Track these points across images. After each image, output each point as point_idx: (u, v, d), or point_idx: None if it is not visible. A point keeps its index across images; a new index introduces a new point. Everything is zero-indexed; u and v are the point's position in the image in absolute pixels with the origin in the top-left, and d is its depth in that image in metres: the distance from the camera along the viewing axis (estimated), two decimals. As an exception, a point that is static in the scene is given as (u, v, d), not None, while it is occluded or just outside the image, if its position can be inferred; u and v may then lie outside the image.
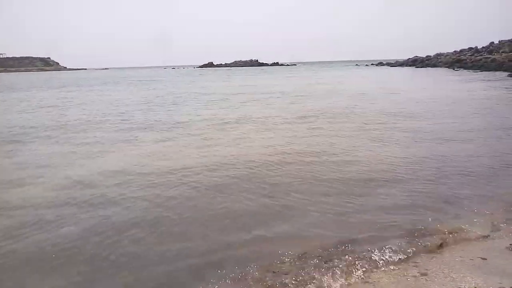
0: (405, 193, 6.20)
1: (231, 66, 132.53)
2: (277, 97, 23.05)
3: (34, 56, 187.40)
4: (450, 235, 4.72)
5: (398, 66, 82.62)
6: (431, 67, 64.43)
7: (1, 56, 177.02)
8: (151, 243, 4.74)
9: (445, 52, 69.91)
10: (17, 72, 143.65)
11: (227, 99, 22.79)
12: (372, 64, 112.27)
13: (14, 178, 7.49)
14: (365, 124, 12.78)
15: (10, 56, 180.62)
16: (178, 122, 14.26)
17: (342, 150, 9.12)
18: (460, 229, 4.87)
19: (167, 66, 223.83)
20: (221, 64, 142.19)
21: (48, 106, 21.27)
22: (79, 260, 4.41)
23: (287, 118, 14.49)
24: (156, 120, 14.85)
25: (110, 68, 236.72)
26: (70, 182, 7.12)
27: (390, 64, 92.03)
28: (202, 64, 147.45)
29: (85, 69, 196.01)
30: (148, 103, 21.78)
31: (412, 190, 6.32)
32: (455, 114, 14.46)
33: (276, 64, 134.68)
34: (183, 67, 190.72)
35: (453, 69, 53.04)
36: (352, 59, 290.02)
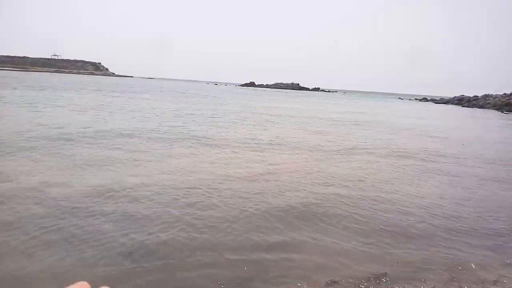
0: (444, 236, 5.81)
1: (272, 88, 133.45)
2: (316, 122, 22.74)
3: (86, 60, 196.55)
4: (491, 283, 4.37)
5: (443, 103, 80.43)
6: (478, 107, 62.20)
7: (57, 58, 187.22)
8: (175, 260, 4.59)
9: (494, 93, 67.21)
10: (70, 74, 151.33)
11: (268, 120, 22.66)
12: (415, 99, 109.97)
13: (54, 178, 7.63)
14: (404, 160, 12.21)
15: (65, 58, 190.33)
16: (215, 137, 14.24)
17: (378, 185, 8.69)
18: (504, 278, 4.51)
19: (209, 81, 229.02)
20: (262, 84, 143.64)
21: (92, 109, 21.96)
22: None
23: (323, 145, 14.15)
24: (194, 133, 14.90)
25: (154, 78, 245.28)
26: (99, 188, 7.09)
27: (435, 101, 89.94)
28: (244, 83, 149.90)
29: (132, 76, 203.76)
30: (190, 115, 22.11)
31: (451, 233, 5.92)
32: (503, 160, 13.57)
33: (317, 89, 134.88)
34: (225, 84, 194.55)
35: (502, 112, 50.89)
36: (395, 92, 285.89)
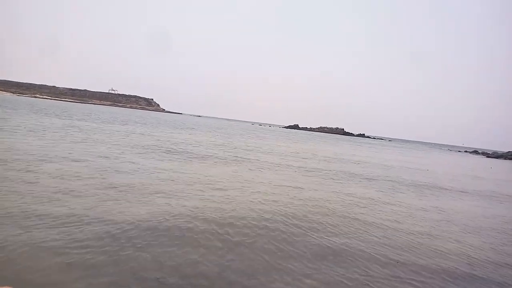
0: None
1: (316, 131, 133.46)
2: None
3: (139, 95, 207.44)
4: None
5: (495, 157, 77.16)
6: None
7: (114, 92, 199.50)
8: None
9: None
10: (123, 108, 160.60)
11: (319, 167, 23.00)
12: (465, 151, 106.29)
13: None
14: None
15: (121, 93, 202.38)
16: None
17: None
18: None
19: (254, 122, 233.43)
20: (306, 127, 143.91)
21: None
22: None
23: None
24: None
25: (202, 116, 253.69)
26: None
27: (486, 154, 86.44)
28: (288, 125, 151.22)
29: (181, 113, 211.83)
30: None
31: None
32: None
33: (362, 135, 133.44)
34: (269, 125, 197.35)
35: None
36: (443, 143, 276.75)
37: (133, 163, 13.10)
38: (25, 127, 20.05)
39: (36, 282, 4.29)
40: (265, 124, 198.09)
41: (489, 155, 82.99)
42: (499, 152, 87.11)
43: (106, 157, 13.69)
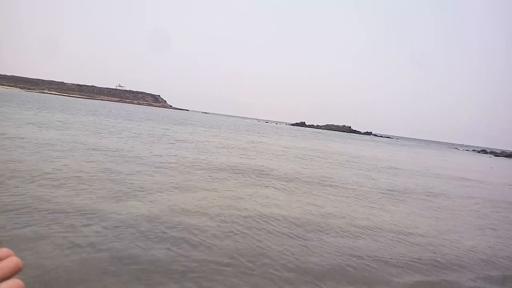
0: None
1: (323, 129, 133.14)
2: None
3: (146, 92, 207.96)
4: None
5: (504, 156, 76.99)
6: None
7: (121, 88, 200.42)
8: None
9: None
10: (131, 104, 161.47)
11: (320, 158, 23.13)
12: (473, 150, 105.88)
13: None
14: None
15: (128, 89, 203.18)
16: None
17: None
18: None
19: (260, 119, 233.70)
20: (313, 125, 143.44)
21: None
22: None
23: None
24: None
25: (209, 113, 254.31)
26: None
27: (495, 153, 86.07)
28: (294, 122, 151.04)
29: (187, 110, 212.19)
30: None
31: None
32: None
33: (369, 133, 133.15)
34: (276, 122, 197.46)
35: None
36: (449, 142, 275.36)
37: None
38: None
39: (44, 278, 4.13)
40: (271, 122, 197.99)
41: (498, 154, 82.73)
42: (507, 151, 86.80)
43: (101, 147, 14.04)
